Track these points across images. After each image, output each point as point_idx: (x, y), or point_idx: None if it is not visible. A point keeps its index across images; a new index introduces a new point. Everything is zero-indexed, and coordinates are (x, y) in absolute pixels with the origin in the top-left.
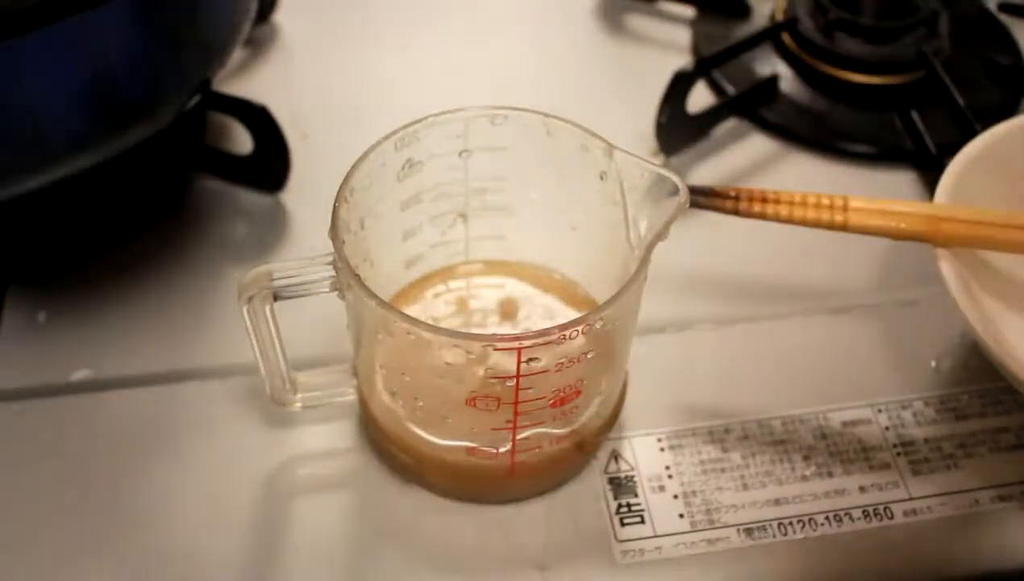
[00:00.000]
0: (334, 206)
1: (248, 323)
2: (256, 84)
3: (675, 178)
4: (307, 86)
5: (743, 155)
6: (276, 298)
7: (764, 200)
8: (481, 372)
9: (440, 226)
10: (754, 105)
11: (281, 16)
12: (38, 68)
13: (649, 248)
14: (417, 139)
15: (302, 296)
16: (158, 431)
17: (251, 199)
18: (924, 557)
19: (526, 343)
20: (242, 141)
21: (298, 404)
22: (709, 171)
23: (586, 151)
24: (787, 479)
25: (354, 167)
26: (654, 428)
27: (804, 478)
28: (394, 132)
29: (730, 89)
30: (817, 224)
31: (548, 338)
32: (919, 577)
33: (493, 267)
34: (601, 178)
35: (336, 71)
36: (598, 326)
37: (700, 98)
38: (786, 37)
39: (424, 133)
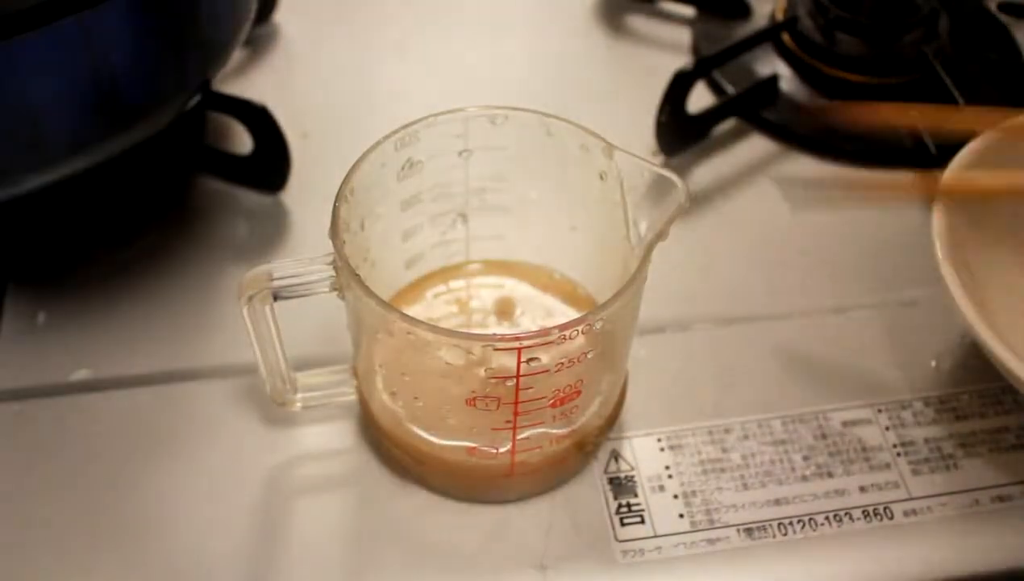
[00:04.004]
0: (334, 206)
1: (248, 323)
2: (256, 84)
3: (675, 178)
4: (307, 86)
5: (743, 155)
6: (276, 298)
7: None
8: (481, 372)
9: (440, 226)
10: (754, 105)
11: (281, 16)
12: (38, 68)
13: (649, 248)
14: (417, 139)
15: (302, 296)
16: (158, 431)
17: (251, 199)
18: (924, 557)
19: (526, 343)
20: (242, 141)
21: (298, 404)
22: (709, 171)
23: (586, 151)
24: (787, 479)
25: (354, 167)
26: (654, 428)
27: (804, 478)
28: (394, 132)
29: (730, 89)
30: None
31: (548, 338)
32: (919, 577)
33: (493, 267)
34: (601, 178)
35: (336, 71)
36: (598, 326)
37: (700, 98)
38: (786, 37)
39: (424, 133)
